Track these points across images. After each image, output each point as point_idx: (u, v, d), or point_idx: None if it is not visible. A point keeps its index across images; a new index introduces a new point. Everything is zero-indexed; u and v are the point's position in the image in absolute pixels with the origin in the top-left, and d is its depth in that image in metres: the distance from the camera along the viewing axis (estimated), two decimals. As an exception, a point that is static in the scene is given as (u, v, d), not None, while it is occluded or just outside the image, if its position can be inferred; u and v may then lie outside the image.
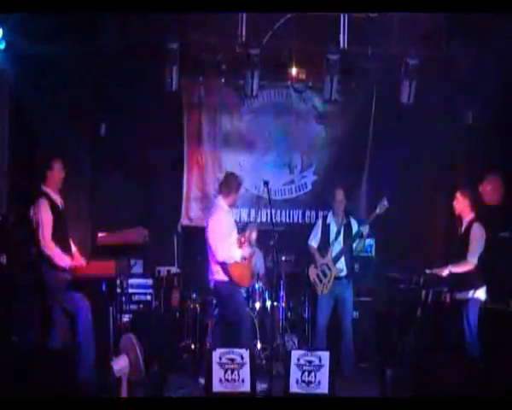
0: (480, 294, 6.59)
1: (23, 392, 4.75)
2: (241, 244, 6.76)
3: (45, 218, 6.05)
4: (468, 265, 6.56)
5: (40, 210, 6.05)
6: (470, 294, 6.55)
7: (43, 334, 6.35)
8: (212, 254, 6.69)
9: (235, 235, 6.83)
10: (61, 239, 6.13)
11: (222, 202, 6.79)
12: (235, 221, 7.29)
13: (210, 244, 6.68)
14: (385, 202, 7.12)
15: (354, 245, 7.35)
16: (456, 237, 6.85)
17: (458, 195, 6.78)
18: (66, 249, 6.15)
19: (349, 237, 7.36)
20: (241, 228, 7.23)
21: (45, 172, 6.18)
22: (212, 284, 6.84)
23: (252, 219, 8.67)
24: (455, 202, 6.80)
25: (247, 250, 6.79)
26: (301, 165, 9.07)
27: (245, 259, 6.76)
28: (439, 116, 8.51)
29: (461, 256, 6.60)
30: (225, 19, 7.47)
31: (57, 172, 6.22)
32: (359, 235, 7.28)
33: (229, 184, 6.84)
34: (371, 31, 7.61)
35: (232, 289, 6.71)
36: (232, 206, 6.94)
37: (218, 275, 6.71)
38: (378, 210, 7.16)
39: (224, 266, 6.65)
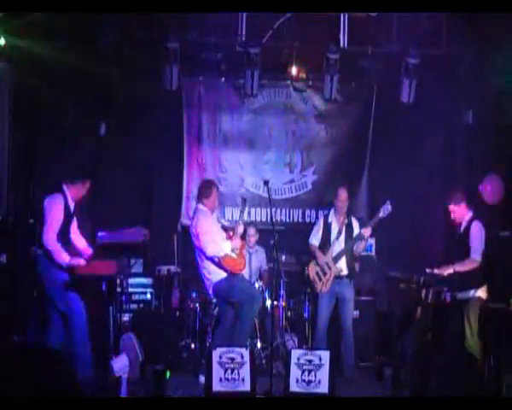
0: (481, 293, 6.57)
1: (23, 392, 4.75)
2: (230, 237, 6.78)
3: (56, 215, 6.15)
4: (473, 263, 6.54)
5: (54, 205, 6.16)
6: (471, 293, 6.54)
7: (42, 334, 6.37)
8: (202, 254, 6.68)
9: (222, 233, 6.85)
10: (63, 240, 6.17)
11: (202, 207, 6.81)
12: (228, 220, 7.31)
13: (198, 245, 6.65)
14: (388, 206, 7.10)
15: (355, 247, 7.35)
16: (455, 237, 6.83)
17: (452, 207, 6.73)
18: (66, 249, 6.17)
19: (350, 237, 7.35)
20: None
21: (77, 182, 6.36)
22: (211, 292, 6.81)
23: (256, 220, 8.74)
24: (452, 215, 6.77)
25: (237, 241, 6.77)
26: (301, 164, 9.08)
27: (236, 249, 6.77)
28: (439, 116, 8.50)
29: (462, 256, 6.59)
30: (225, 18, 7.47)
31: (84, 189, 6.45)
32: (361, 238, 7.27)
33: (203, 191, 6.86)
34: (371, 30, 7.61)
35: (233, 281, 6.68)
36: (212, 210, 6.93)
37: (215, 277, 6.70)
38: (381, 214, 7.13)
39: (215, 260, 6.64)
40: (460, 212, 6.72)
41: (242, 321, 6.59)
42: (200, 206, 6.83)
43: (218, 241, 6.69)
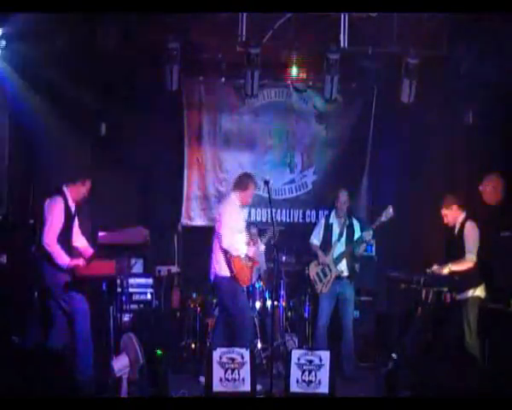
0: (480, 292, 6.58)
1: (23, 392, 4.75)
2: (248, 244, 6.80)
3: (56, 217, 6.14)
4: (468, 263, 6.55)
5: (54, 207, 6.16)
6: (470, 293, 6.55)
7: (42, 334, 6.37)
8: (217, 242, 6.70)
9: (244, 234, 6.88)
10: (63, 241, 6.16)
11: (234, 198, 6.84)
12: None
13: (218, 232, 6.69)
14: (390, 210, 7.09)
15: (356, 250, 7.35)
16: (450, 238, 6.82)
17: (444, 211, 6.76)
18: (67, 251, 6.17)
19: (351, 239, 7.36)
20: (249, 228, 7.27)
21: (77, 183, 6.37)
22: (212, 278, 6.83)
23: (256, 220, 8.76)
24: (445, 219, 6.79)
25: (252, 250, 6.81)
26: (301, 164, 9.10)
27: (249, 258, 6.77)
28: (439, 116, 8.50)
29: (458, 257, 6.59)
30: (225, 19, 7.46)
31: (84, 189, 6.44)
32: (362, 241, 7.28)
33: (240, 182, 6.90)
34: (371, 30, 7.61)
35: (233, 287, 6.70)
36: (244, 204, 6.95)
37: (220, 269, 6.70)
38: (383, 218, 7.14)
39: (227, 255, 6.65)
40: (452, 215, 6.75)
41: (240, 335, 6.60)
42: (234, 196, 6.85)
43: (237, 239, 6.70)
